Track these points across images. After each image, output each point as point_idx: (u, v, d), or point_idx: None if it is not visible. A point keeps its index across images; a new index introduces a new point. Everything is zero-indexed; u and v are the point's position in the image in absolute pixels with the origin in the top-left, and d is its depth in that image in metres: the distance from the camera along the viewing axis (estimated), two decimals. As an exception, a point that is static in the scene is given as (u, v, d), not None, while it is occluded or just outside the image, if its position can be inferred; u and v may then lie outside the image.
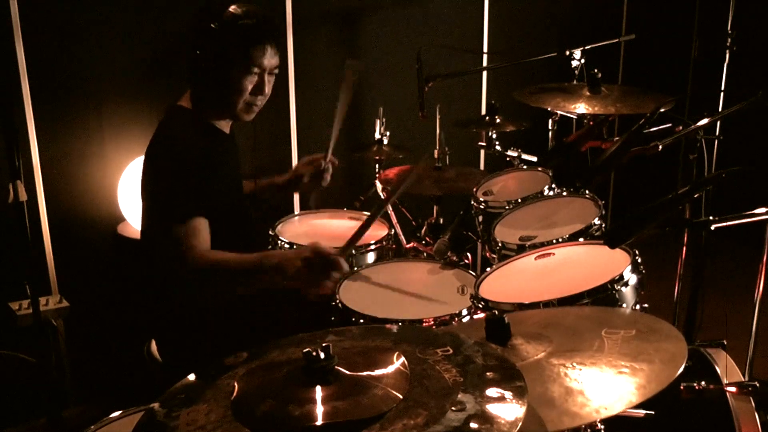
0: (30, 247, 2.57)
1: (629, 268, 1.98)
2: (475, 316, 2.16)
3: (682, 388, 1.70)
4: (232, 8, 2.05)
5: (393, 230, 2.88)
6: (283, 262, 1.93)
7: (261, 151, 3.47)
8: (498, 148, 3.24)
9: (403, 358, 1.34)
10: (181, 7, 3.12)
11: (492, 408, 1.19)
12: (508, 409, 1.19)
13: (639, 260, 2.03)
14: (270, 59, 2.10)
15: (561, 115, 3.08)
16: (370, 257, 2.70)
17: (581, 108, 2.71)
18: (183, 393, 1.36)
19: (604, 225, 2.41)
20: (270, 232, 2.73)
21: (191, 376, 1.41)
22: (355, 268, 2.58)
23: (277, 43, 2.11)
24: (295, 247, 2.63)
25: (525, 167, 3.10)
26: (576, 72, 3.03)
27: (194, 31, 2.08)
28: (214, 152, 2.11)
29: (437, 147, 3.15)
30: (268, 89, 2.14)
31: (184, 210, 1.98)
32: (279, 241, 2.68)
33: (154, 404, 1.33)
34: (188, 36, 2.09)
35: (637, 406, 1.32)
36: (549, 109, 2.90)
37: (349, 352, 1.40)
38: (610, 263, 2.04)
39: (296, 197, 3.64)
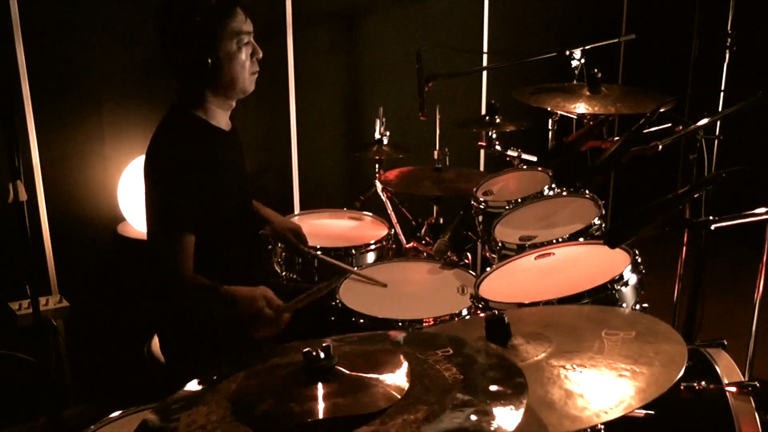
0: (30, 247, 2.57)
1: (629, 268, 1.98)
2: (475, 316, 2.16)
3: (682, 388, 1.70)
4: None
5: (393, 230, 2.88)
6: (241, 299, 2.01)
7: (261, 151, 3.49)
8: (498, 148, 3.24)
9: (403, 359, 1.34)
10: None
11: (492, 407, 1.19)
12: (508, 407, 1.19)
13: (639, 260, 2.03)
14: (248, 21, 2.09)
15: (561, 115, 3.07)
16: (370, 257, 2.70)
17: (581, 108, 2.71)
18: (182, 398, 1.35)
19: (604, 225, 2.41)
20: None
21: (191, 384, 1.41)
22: (355, 268, 2.58)
23: (245, 4, 2.10)
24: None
25: (525, 167, 3.10)
26: (576, 72, 3.02)
27: (172, 35, 2.05)
28: (216, 153, 2.11)
29: (437, 147, 3.16)
30: (259, 52, 2.15)
31: (179, 227, 2.01)
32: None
33: (153, 405, 1.33)
34: (167, 43, 2.06)
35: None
36: (549, 109, 2.90)
37: (349, 354, 1.40)
38: (610, 263, 2.04)
39: (296, 197, 3.64)
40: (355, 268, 2.55)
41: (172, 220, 2.01)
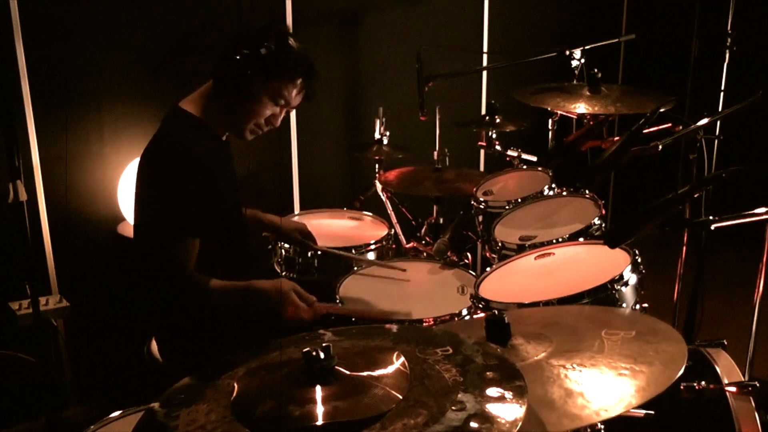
0: (30, 247, 2.56)
1: (629, 268, 1.98)
2: (475, 316, 2.16)
3: (682, 388, 1.70)
4: (291, 40, 2.06)
5: (393, 230, 2.88)
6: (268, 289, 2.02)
7: (260, 152, 3.49)
8: (498, 148, 3.24)
9: (402, 358, 1.34)
10: (181, 7, 3.12)
11: (492, 407, 1.19)
12: (508, 408, 1.19)
13: (639, 260, 2.03)
14: (298, 97, 2.12)
15: (561, 115, 3.08)
16: (370, 257, 2.70)
17: (581, 108, 2.71)
18: (183, 393, 1.36)
19: (604, 225, 2.41)
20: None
21: (191, 377, 1.41)
22: (355, 268, 2.58)
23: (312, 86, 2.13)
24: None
25: (525, 167, 3.10)
26: (576, 72, 3.02)
27: (246, 46, 2.03)
28: (216, 158, 2.11)
29: (437, 147, 3.16)
30: (279, 122, 2.16)
31: (181, 230, 2.00)
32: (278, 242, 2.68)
33: (154, 404, 1.33)
34: (233, 47, 2.04)
35: (637, 406, 1.32)
36: (549, 109, 2.90)
37: (349, 352, 1.40)
38: (610, 263, 2.04)
39: (296, 197, 3.64)
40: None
41: (182, 225, 2.00)
